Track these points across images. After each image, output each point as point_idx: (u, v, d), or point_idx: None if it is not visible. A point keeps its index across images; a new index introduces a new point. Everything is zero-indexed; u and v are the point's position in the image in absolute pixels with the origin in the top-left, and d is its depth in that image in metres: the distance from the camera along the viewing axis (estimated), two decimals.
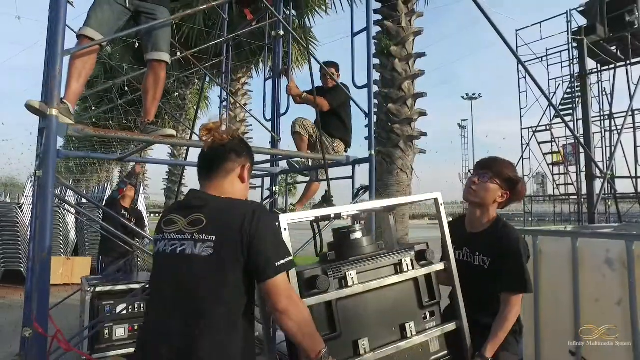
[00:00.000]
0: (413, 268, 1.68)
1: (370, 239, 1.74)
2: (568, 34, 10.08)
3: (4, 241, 7.29)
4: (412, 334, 1.62)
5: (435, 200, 1.85)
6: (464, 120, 42.00)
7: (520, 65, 11.47)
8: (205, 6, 3.48)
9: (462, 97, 40.46)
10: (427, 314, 1.70)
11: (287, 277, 1.31)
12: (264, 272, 1.25)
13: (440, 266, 1.76)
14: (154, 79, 2.50)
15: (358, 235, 1.71)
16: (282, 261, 1.27)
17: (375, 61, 6.19)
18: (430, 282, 1.72)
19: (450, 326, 1.73)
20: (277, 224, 1.40)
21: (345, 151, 3.96)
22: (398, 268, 1.66)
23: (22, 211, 7.65)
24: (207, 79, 8.12)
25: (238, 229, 1.25)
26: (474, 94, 40.20)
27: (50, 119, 1.83)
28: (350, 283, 1.55)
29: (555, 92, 11.57)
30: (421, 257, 1.72)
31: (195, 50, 5.16)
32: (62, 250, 7.76)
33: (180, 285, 1.30)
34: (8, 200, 13.72)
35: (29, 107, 1.87)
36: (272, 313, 1.29)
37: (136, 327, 3.99)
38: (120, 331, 3.89)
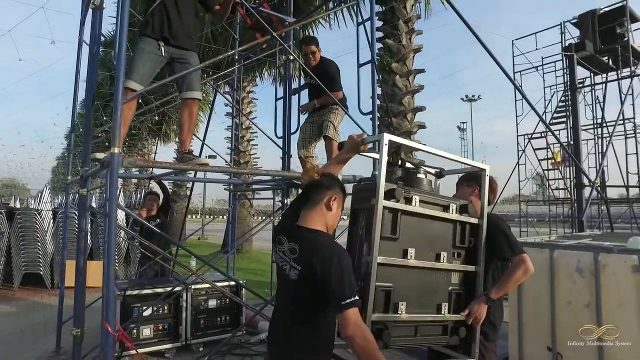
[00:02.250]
0: (456, 213, 2.18)
1: (429, 182, 2.26)
2: (562, 45, 10.47)
3: (25, 245, 7.65)
4: (443, 260, 2.12)
5: (483, 171, 2.37)
6: (464, 123, 42.23)
7: (515, 74, 11.88)
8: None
9: (462, 99, 40.80)
10: (456, 253, 2.19)
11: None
12: (336, 307, 1.56)
13: (475, 220, 2.23)
14: (189, 114, 2.90)
15: (422, 176, 2.24)
16: (348, 300, 1.53)
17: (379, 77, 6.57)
18: (464, 230, 2.21)
19: (470, 267, 2.21)
20: (349, 267, 1.64)
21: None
22: (446, 209, 2.15)
23: (40, 217, 8.01)
24: (216, 88, 8.48)
25: (318, 271, 1.58)
26: (473, 96, 40.48)
27: (113, 155, 2.22)
28: (413, 203, 2.02)
29: (550, 100, 11.97)
30: (463, 209, 2.21)
31: (210, 70, 5.51)
32: None
33: (285, 291, 1.81)
34: (17, 204, 14.05)
35: (95, 159, 2.30)
36: (342, 335, 1.59)
37: (160, 327, 4.40)
38: (147, 331, 4.29)
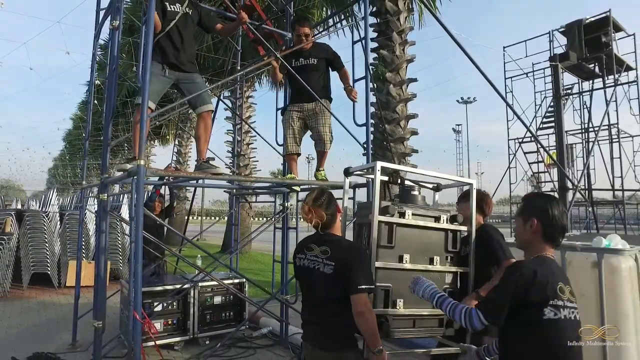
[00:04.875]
0: (447, 223, 2.53)
1: (423, 198, 2.63)
2: (550, 53, 10.87)
3: (33, 246, 7.93)
4: (436, 264, 2.48)
5: (471, 185, 2.75)
6: (459, 125, 42.68)
7: (506, 80, 12.29)
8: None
9: (457, 101, 41.22)
10: (448, 257, 2.55)
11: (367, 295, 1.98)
12: (352, 289, 1.95)
13: (464, 228, 2.59)
14: (204, 127, 3.27)
15: (416, 192, 2.62)
16: (364, 286, 1.94)
17: (372, 85, 6.91)
18: (455, 237, 2.56)
19: (461, 269, 2.57)
20: (368, 262, 2.09)
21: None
22: (437, 220, 2.51)
23: (48, 218, 8.29)
24: (218, 96, 8.80)
25: (345, 261, 2.00)
26: (468, 98, 40.84)
27: (140, 167, 2.56)
28: (406, 217, 2.38)
29: (540, 105, 12.36)
30: (453, 219, 2.58)
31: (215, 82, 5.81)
32: (84, 255, 8.39)
33: (316, 287, 2.12)
34: (19, 205, 14.28)
35: (121, 170, 2.65)
36: (353, 313, 1.95)
37: (169, 322, 4.72)
38: (157, 325, 4.60)
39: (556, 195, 12.59)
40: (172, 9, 3.29)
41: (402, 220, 2.36)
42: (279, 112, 5.10)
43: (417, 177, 2.85)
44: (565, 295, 1.63)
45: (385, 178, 2.58)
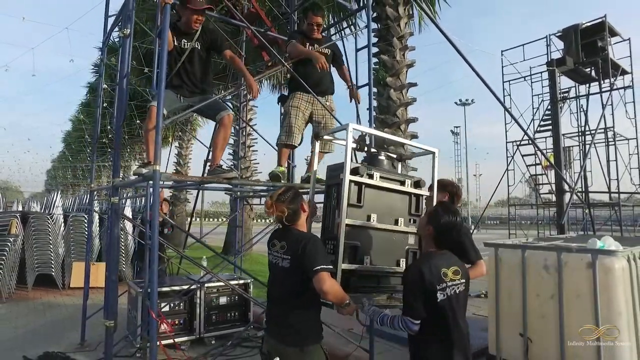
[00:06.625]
0: (411, 187, 2.70)
1: (389, 163, 2.81)
2: (547, 57, 11.02)
3: (38, 248, 8.01)
4: (401, 225, 2.65)
5: (433, 154, 2.88)
6: (457, 127, 42.82)
7: (504, 84, 12.44)
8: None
9: (456, 103, 41.40)
10: (411, 219, 2.73)
11: (328, 274, 2.04)
12: (310, 273, 2.02)
13: (426, 192, 2.78)
14: (224, 134, 3.38)
15: (382, 157, 2.79)
16: (320, 266, 2.01)
17: (373, 90, 7.03)
18: (418, 201, 2.76)
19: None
20: (321, 246, 2.15)
21: None
22: (402, 184, 2.68)
23: (52, 220, 8.38)
24: (221, 98, 8.90)
25: (299, 251, 2.09)
26: (467, 100, 41.01)
27: (156, 172, 2.67)
28: (374, 178, 2.53)
29: (538, 108, 12.52)
30: (417, 184, 2.76)
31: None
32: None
33: (277, 282, 2.23)
34: (20, 207, 14.32)
35: (137, 174, 2.77)
36: (318, 292, 2.03)
37: (177, 322, 4.82)
38: (164, 325, 4.70)
39: (553, 197, 12.75)
40: (177, 45, 3.28)
41: (370, 181, 2.50)
42: (280, 100, 4.40)
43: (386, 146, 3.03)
44: (447, 278, 2.02)
45: (353, 145, 2.69)
